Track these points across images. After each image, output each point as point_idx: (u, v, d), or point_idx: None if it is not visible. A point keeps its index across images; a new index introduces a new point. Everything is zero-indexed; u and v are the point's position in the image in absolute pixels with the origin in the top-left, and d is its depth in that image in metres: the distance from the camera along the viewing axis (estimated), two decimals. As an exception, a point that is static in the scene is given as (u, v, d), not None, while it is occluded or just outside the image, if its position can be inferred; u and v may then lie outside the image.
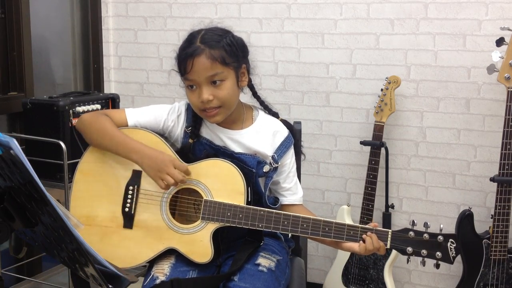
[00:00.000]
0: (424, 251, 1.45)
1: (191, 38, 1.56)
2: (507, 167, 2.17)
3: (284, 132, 1.67)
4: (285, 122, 1.71)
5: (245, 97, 1.72)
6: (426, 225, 1.46)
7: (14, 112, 2.45)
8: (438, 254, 1.45)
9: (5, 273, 2.38)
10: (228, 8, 2.76)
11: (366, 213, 2.43)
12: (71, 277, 1.57)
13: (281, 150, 1.65)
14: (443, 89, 2.48)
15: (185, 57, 1.52)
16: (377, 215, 2.55)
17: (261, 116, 1.69)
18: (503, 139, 2.17)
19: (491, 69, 2.20)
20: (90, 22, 2.96)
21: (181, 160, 1.57)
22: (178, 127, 1.65)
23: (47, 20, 2.75)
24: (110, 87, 3.02)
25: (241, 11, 2.74)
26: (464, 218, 2.23)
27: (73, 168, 1.70)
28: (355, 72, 2.60)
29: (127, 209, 1.58)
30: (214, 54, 1.51)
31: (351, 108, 2.63)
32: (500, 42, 2.16)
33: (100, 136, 1.59)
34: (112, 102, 2.40)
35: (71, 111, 2.17)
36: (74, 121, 2.17)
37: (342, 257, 2.50)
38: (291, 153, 1.69)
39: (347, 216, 2.49)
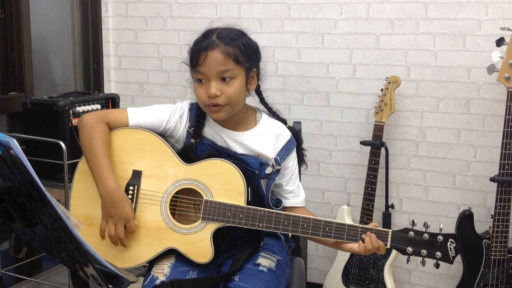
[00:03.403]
0: (424, 251, 1.45)
1: (208, 33, 1.56)
2: (507, 167, 2.17)
3: (287, 135, 1.67)
4: (291, 129, 1.70)
5: (253, 103, 1.72)
6: (426, 225, 1.46)
7: (14, 112, 2.45)
8: (438, 254, 1.45)
9: (5, 273, 2.38)
10: (228, 8, 2.76)
11: (366, 213, 2.43)
12: (70, 277, 1.57)
13: (284, 152, 1.65)
14: (443, 89, 2.48)
15: (199, 49, 1.53)
16: (377, 215, 2.55)
17: (264, 119, 1.69)
18: (503, 139, 2.17)
19: (491, 69, 2.20)
20: (90, 22, 2.96)
21: (183, 161, 1.57)
22: (181, 127, 1.65)
23: (47, 20, 2.75)
24: (110, 87, 3.02)
25: (241, 11, 2.74)
26: (464, 218, 2.23)
27: (73, 168, 1.70)
28: (355, 72, 2.60)
29: (127, 209, 1.58)
30: (228, 50, 1.52)
31: (351, 108, 2.63)
32: (500, 42, 2.16)
33: (86, 149, 1.58)
34: (112, 102, 2.40)
35: (71, 111, 2.17)
36: (74, 121, 2.17)
37: (342, 257, 2.50)
38: (293, 155, 1.68)
39: (347, 216, 2.49)
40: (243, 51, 1.55)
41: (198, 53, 1.53)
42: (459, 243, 1.44)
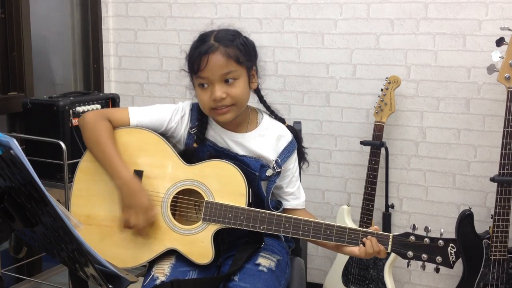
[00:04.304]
0: (424, 256, 1.45)
1: (204, 37, 1.55)
2: (507, 167, 2.17)
3: (288, 136, 1.67)
4: (290, 128, 1.70)
5: (252, 102, 1.72)
6: (427, 229, 1.47)
7: (14, 112, 2.45)
8: (438, 258, 1.45)
9: (5, 273, 2.38)
10: (228, 8, 2.76)
11: (366, 213, 2.43)
12: (69, 277, 1.57)
13: (285, 154, 1.65)
14: (443, 89, 2.48)
15: (199, 54, 1.52)
16: (377, 215, 2.55)
17: (266, 120, 1.68)
18: (503, 139, 2.17)
19: (491, 69, 2.20)
20: (90, 22, 2.96)
21: (184, 162, 1.56)
22: (182, 128, 1.65)
23: (47, 20, 2.74)
24: (110, 87, 3.02)
25: (241, 11, 2.74)
26: (464, 218, 2.23)
27: (73, 168, 1.70)
28: (355, 72, 2.60)
29: (127, 209, 1.58)
30: (229, 51, 1.51)
31: (351, 108, 2.63)
32: (500, 42, 2.16)
33: (93, 145, 1.58)
34: (112, 102, 2.40)
35: (71, 111, 2.17)
36: (74, 121, 2.17)
37: (342, 257, 2.50)
38: (294, 158, 1.68)
39: (347, 216, 2.49)
40: (243, 51, 1.54)
41: (198, 58, 1.52)
42: (460, 248, 1.44)
